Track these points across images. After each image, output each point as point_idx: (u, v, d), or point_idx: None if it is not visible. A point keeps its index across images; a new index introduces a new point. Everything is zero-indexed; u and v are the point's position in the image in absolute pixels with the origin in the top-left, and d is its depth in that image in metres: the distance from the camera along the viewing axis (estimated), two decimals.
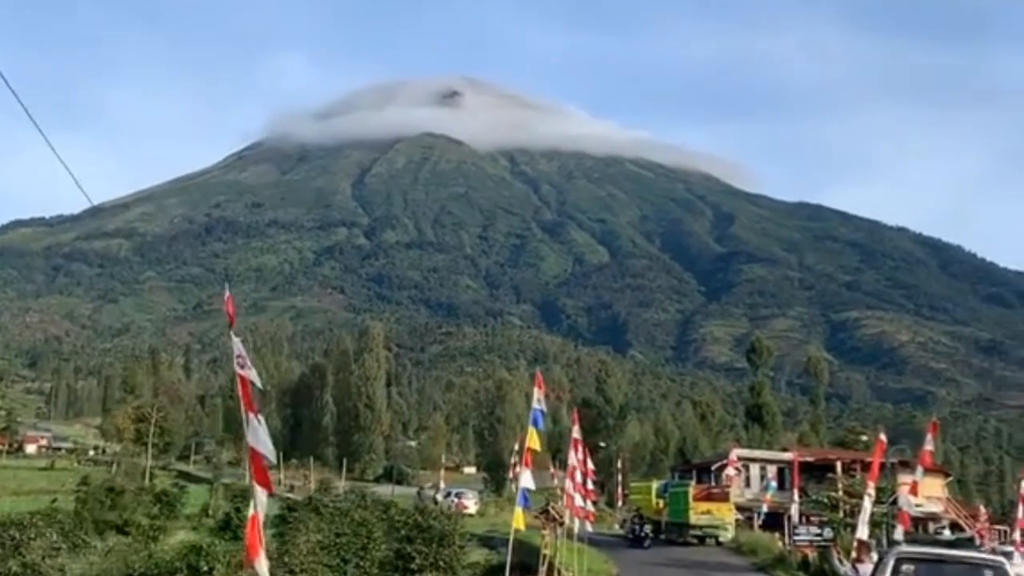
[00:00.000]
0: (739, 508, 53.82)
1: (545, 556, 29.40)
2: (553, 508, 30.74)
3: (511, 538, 24.24)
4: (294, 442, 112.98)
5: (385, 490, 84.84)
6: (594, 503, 40.87)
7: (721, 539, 47.79)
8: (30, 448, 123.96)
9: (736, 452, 59.39)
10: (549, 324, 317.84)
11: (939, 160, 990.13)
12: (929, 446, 25.90)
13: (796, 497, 48.09)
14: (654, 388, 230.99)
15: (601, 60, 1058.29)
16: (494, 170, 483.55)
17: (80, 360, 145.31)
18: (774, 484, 58.04)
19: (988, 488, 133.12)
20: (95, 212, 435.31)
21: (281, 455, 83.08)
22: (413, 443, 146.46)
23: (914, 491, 26.37)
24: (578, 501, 32.82)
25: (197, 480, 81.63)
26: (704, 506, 48.15)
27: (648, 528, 52.82)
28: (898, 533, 26.12)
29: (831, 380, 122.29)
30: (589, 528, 36.12)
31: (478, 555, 38.92)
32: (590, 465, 38.77)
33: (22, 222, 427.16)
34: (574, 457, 31.33)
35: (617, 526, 63.40)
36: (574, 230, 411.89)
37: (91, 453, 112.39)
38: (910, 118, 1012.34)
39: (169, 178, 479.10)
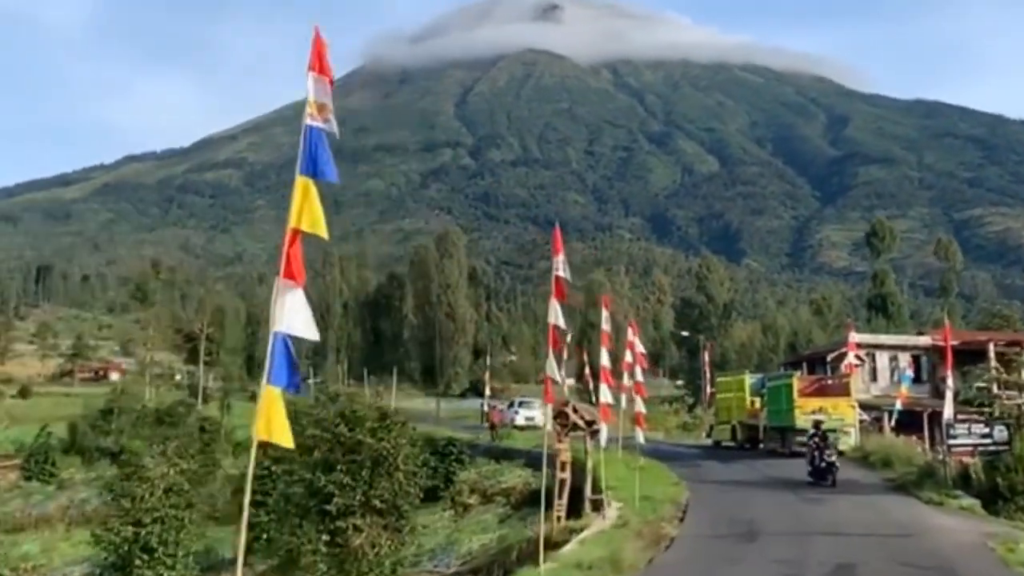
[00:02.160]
0: (864, 407, 43.90)
1: (563, 480, 24.10)
2: (573, 409, 24.48)
3: (544, 454, 19.46)
4: (374, 357, 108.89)
5: (471, 404, 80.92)
6: (645, 401, 30.83)
7: (841, 447, 35.82)
8: (114, 375, 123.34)
9: (857, 337, 48.00)
10: (660, 236, 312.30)
11: None
12: None
13: (951, 384, 30.64)
14: (770, 296, 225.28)
15: None
16: (597, 83, 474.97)
17: (191, 288, 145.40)
18: (910, 374, 47.14)
19: None
20: (205, 144, 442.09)
21: (365, 371, 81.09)
22: (514, 357, 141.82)
23: None
24: (605, 396, 26.69)
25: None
26: (815, 403, 37.84)
27: (739, 436, 46.11)
28: None
29: (956, 280, 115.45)
30: (641, 437, 29.86)
31: (518, 477, 35.86)
32: (639, 348, 32.13)
33: (134, 157, 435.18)
34: (605, 355, 26.77)
35: (704, 435, 56.21)
36: (682, 140, 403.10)
37: (177, 377, 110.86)
38: None
39: (274, 108, 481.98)
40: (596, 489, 25.37)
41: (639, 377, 30.26)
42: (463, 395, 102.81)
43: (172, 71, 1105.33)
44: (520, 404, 62.88)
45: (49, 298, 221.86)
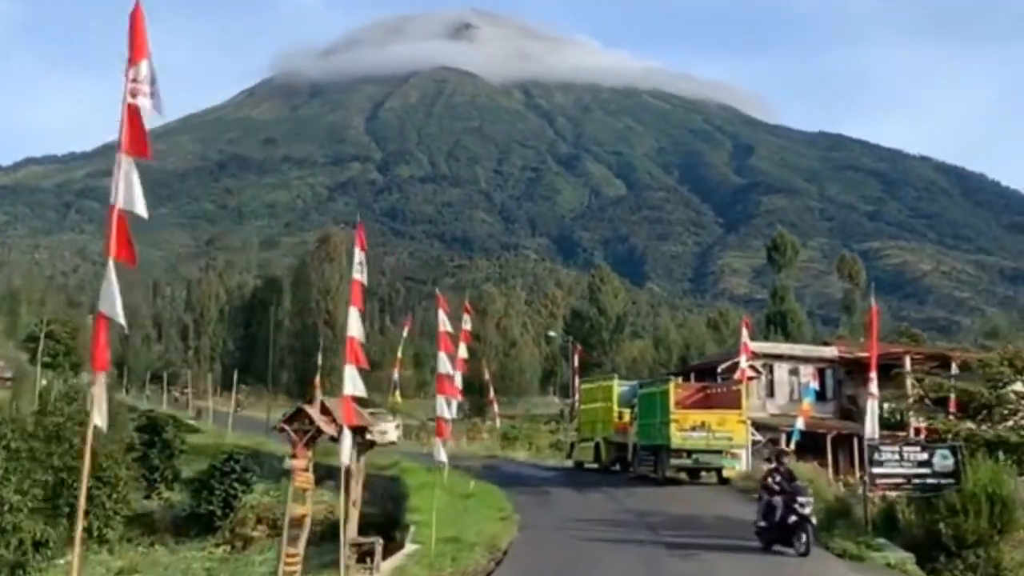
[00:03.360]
0: (758, 426, 38.53)
1: (302, 517, 16.80)
2: (322, 409, 17.62)
3: (342, 474, 16.31)
4: (247, 365, 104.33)
5: None
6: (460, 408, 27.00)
7: (726, 473, 32.25)
8: None
9: (753, 345, 41.03)
10: (565, 257, 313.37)
11: (961, 88, 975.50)
12: None
13: (875, 391, 24.13)
14: (671, 319, 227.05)
15: None
16: (508, 103, 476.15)
17: (78, 294, 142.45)
18: (814, 386, 40.21)
19: None
20: (108, 149, 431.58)
21: (235, 376, 78.54)
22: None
23: None
24: (442, 409, 22.76)
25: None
26: (697, 416, 31.69)
27: (604, 456, 39.32)
28: None
29: (851, 310, 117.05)
30: (443, 454, 22.75)
31: (321, 502, 27.14)
32: (462, 354, 29.94)
33: (34, 159, 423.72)
34: (445, 360, 23.77)
35: (565, 455, 47.07)
36: (590, 163, 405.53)
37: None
38: (932, 46, 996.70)
39: (180, 115, 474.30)
40: (395, 523, 21.45)
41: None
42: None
43: (77, 73, 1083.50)
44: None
45: None
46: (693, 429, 30.99)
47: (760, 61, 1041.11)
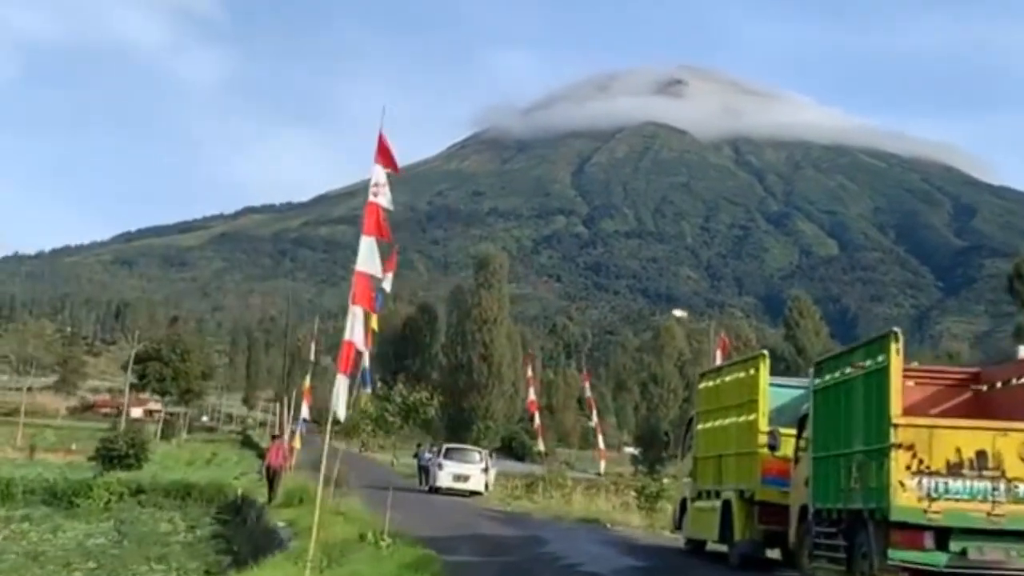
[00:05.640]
0: None
1: None
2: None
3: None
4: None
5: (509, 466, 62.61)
6: None
7: None
8: (136, 412, 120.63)
9: None
10: (773, 317, 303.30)
11: None
12: None
13: None
14: None
15: (827, 47, 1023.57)
16: (717, 159, 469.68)
17: (277, 338, 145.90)
18: None
19: None
20: (322, 199, 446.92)
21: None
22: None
23: None
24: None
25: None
26: (967, 438, 12.29)
27: (741, 530, 18.17)
28: None
29: None
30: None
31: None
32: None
33: (254, 208, 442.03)
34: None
35: (673, 523, 24.19)
36: (801, 221, 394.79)
37: (204, 419, 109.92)
38: None
39: None
40: None
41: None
42: (491, 453, 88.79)
43: (296, 128, 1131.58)
44: (447, 453, 41.76)
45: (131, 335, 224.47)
46: (958, 470, 12.60)
47: (981, 120, 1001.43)
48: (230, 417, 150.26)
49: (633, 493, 36.89)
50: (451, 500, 35.86)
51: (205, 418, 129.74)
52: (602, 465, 54.76)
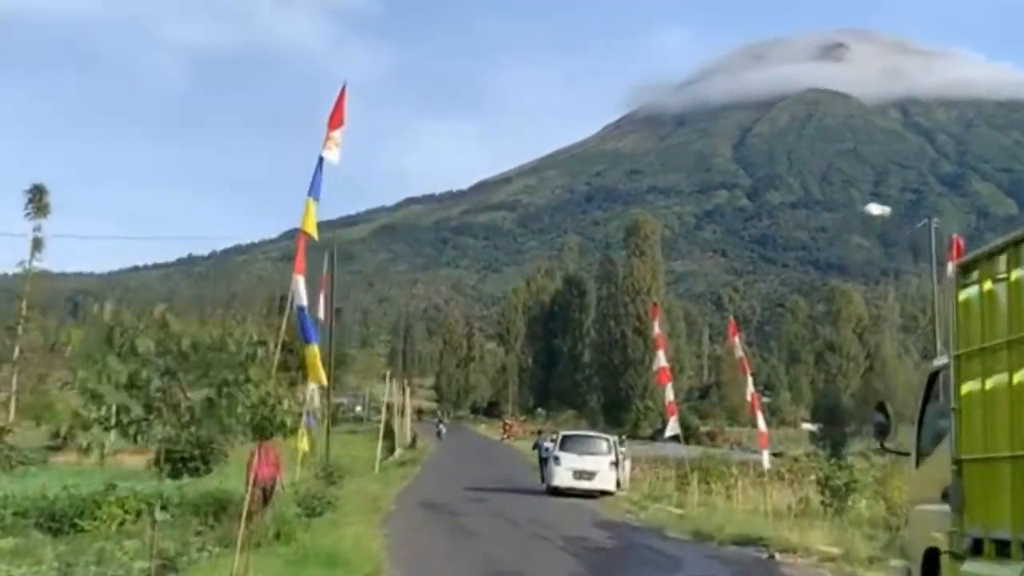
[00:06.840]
0: None
1: None
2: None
3: None
4: (548, 386, 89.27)
5: (663, 449, 50.37)
6: None
7: None
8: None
9: None
10: None
11: None
12: None
13: None
14: None
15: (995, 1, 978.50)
16: (884, 122, 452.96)
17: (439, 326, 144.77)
18: None
19: None
20: (481, 187, 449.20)
21: (531, 401, 66.60)
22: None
23: None
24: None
25: None
26: None
27: None
28: None
29: None
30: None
31: None
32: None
33: (414, 199, 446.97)
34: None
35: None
36: (977, 181, 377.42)
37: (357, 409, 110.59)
38: None
39: (548, 151, 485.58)
40: None
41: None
42: (653, 437, 73.03)
43: (455, 117, 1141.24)
44: (564, 443, 34.83)
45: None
46: None
47: None
48: (389, 407, 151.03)
49: (816, 484, 29.77)
50: (567, 504, 30.13)
51: (359, 408, 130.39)
52: (765, 456, 34.01)
